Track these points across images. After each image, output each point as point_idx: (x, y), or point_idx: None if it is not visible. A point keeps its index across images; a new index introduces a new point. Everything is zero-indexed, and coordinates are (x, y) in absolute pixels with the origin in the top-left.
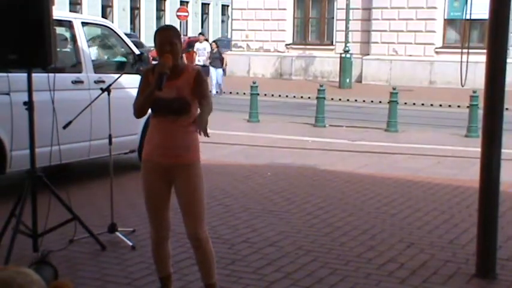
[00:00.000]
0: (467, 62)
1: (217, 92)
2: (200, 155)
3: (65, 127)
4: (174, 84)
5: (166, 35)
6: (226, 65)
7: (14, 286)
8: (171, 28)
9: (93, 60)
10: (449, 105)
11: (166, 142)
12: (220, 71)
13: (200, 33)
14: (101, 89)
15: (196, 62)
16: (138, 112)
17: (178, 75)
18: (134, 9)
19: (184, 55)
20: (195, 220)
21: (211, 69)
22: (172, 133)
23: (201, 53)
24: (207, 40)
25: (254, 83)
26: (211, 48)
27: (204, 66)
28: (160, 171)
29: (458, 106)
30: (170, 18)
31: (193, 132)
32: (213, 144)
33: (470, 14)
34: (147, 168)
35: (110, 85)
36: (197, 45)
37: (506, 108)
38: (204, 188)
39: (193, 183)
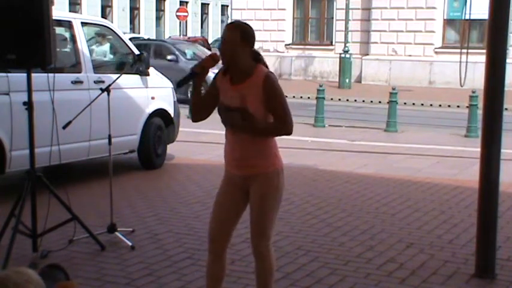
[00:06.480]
0: (466, 62)
1: None
2: (280, 163)
3: (64, 127)
4: (238, 89)
5: (225, 33)
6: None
7: (9, 285)
8: (234, 25)
9: (92, 60)
10: (449, 105)
11: (236, 153)
12: None
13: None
14: (101, 89)
15: None
16: (192, 115)
17: (243, 80)
18: (134, 9)
19: None
20: (258, 232)
21: None
22: (239, 143)
23: None
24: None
25: None
26: None
27: None
28: (238, 182)
29: (458, 106)
30: (170, 19)
31: (265, 140)
32: (213, 144)
33: (470, 14)
34: (225, 177)
35: (110, 85)
36: None
37: (506, 108)
38: (278, 202)
39: (263, 194)
